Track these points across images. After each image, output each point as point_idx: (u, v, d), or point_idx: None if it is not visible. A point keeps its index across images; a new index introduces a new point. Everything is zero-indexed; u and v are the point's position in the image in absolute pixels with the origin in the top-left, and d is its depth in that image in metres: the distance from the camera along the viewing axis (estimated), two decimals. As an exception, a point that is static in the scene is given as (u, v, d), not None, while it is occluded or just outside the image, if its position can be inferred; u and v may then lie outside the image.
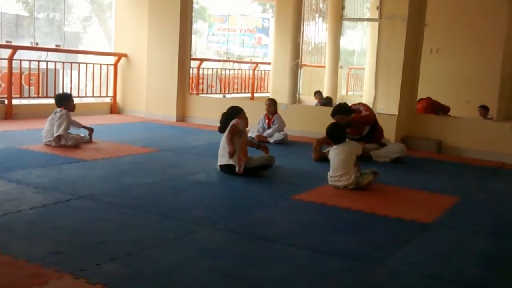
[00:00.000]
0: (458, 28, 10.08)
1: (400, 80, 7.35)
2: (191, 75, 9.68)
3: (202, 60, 11.95)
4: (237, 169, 4.85)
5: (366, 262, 2.94)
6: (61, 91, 8.48)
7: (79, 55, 12.84)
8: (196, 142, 6.90)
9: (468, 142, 7.10)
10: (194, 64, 10.47)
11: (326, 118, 7.14)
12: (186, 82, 9.25)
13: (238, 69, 13.62)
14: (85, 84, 9.32)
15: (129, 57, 9.72)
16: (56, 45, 10.09)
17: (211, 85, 11.86)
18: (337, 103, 7.11)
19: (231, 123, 4.95)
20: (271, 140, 7.09)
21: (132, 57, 9.69)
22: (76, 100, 9.12)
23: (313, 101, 11.14)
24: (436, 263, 2.99)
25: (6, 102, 8.04)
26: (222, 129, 5.10)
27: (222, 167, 4.99)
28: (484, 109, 8.84)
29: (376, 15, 10.00)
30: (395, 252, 3.13)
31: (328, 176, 4.75)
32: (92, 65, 9.58)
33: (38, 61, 8.84)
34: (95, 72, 9.55)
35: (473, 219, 4.04)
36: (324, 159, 5.88)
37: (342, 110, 6.10)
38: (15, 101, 8.27)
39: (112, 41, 10.21)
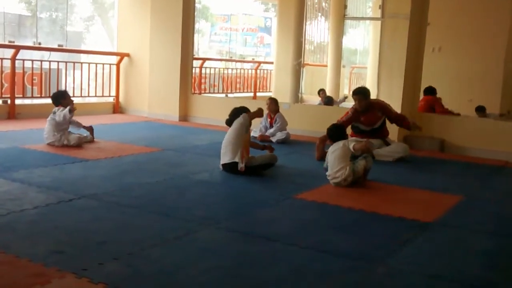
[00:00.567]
0: (460, 27, 10.06)
1: (402, 79, 7.35)
2: (193, 75, 9.69)
3: (204, 59, 11.96)
4: (239, 166, 4.85)
5: (367, 261, 2.94)
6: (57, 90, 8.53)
7: (82, 54, 12.87)
8: (199, 142, 6.91)
9: (471, 141, 7.09)
10: (196, 63, 10.48)
11: (328, 117, 7.16)
12: (189, 82, 9.26)
13: (240, 69, 13.63)
14: (88, 84, 9.34)
15: (132, 57, 9.74)
16: (59, 45, 10.10)
17: (214, 85, 11.86)
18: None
19: (242, 116, 5.04)
20: (273, 139, 7.09)
21: (135, 56, 9.70)
22: (78, 100, 9.23)
23: (315, 100, 11.13)
24: (438, 263, 2.99)
25: (9, 102, 8.06)
26: (230, 122, 5.11)
27: (225, 166, 4.99)
28: (481, 112, 8.73)
29: (378, 14, 9.98)
30: (396, 251, 3.13)
31: (327, 177, 4.77)
32: (94, 64, 9.60)
33: (41, 61, 8.86)
34: (97, 72, 9.58)
35: (475, 218, 4.03)
36: (326, 158, 5.90)
37: (363, 91, 6.31)
38: (18, 101, 8.30)
39: (114, 41, 10.22)
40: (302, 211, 3.97)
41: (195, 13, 9.32)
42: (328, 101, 10.13)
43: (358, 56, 15.13)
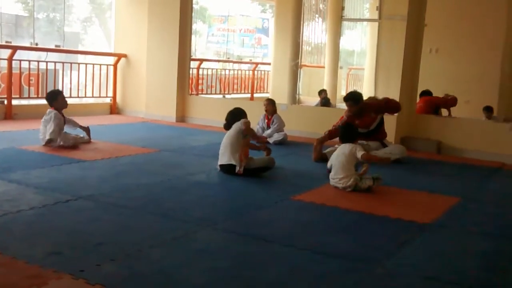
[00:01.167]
0: (457, 28, 10.09)
1: (399, 81, 7.36)
2: (190, 76, 9.68)
3: (201, 60, 11.94)
4: (237, 169, 4.85)
5: (365, 263, 2.94)
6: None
7: (79, 55, 12.83)
8: (196, 143, 6.90)
9: (467, 143, 7.10)
10: (193, 64, 10.47)
11: (325, 118, 7.18)
12: (186, 83, 9.25)
13: (237, 70, 13.63)
14: (85, 85, 9.32)
15: (129, 58, 9.73)
16: (56, 46, 10.08)
17: (211, 86, 11.86)
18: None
19: (243, 122, 4.98)
20: (270, 140, 7.09)
21: (132, 57, 9.69)
22: (76, 101, 9.22)
23: (312, 101, 11.12)
24: (436, 264, 2.99)
25: (5, 102, 8.04)
26: (228, 126, 5.10)
27: (223, 166, 4.99)
28: (488, 111, 8.80)
29: (375, 15, 10.02)
30: (394, 253, 3.13)
31: (330, 177, 4.75)
32: (92, 65, 9.58)
33: (38, 61, 8.84)
34: (95, 73, 9.56)
35: (472, 219, 4.04)
36: (324, 159, 5.88)
37: (353, 97, 6.23)
38: (14, 102, 8.28)
39: (111, 42, 10.21)
40: (300, 212, 3.97)
41: (193, 14, 9.32)
42: (325, 102, 10.13)
43: (356, 57, 15.13)
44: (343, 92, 12.75)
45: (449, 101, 8.56)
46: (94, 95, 9.55)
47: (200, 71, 11.38)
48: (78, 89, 9.22)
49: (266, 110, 7.42)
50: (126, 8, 9.76)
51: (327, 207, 4.10)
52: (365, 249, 3.17)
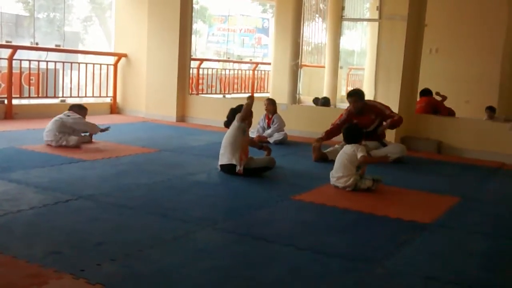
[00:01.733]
0: (457, 28, 10.08)
1: (400, 80, 7.36)
2: (191, 75, 9.68)
3: (202, 60, 11.95)
4: (237, 168, 4.85)
5: (365, 262, 2.94)
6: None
7: (79, 55, 12.84)
8: (196, 143, 6.90)
9: (467, 143, 7.10)
10: (194, 64, 10.47)
11: (325, 118, 7.17)
12: (186, 82, 9.25)
13: (238, 69, 13.62)
14: (85, 84, 9.32)
15: (129, 57, 9.73)
16: (56, 45, 10.07)
17: (211, 85, 11.85)
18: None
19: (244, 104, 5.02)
20: (270, 140, 7.09)
21: (132, 57, 9.69)
22: (76, 100, 9.20)
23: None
24: (435, 264, 3.00)
25: (6, 102, 8.04)
26: (228, 124, 5.10)
27: (223, 166, 4.99)
28: (491, 111, 8.78)
29: (376, 15, 10.02)
30: (394, 252, 3.14)
31: (330, 175, 4.75)
32: (92, 65, 9.58)
33: (38, 61, 8.84)
34: (95, 72, 9.56)
35: (472, 219, 4.04)
36: (324, 159, 5.90)
37: (357, 93, 6.29)
38: (15, 101, 8.28)
39: (112, 41, 10.21)
40: (299, 212, 3.97)
41: (193, 13, 9.32)
42: (325, 101, 10.13)
43: (356, 57, 15.12)
44: (343, 92, 12.76)
45: (444, 110, 8.42)
46: (94, 95, 9.55)
47: (200, 71, 11.38)
48: (78, 89, 9.22)
49: (266, 110, 7.42)
50: (126, 7, 9.76)
51: (327, 207, 4.10)
52: (365, 249, 3.18)
